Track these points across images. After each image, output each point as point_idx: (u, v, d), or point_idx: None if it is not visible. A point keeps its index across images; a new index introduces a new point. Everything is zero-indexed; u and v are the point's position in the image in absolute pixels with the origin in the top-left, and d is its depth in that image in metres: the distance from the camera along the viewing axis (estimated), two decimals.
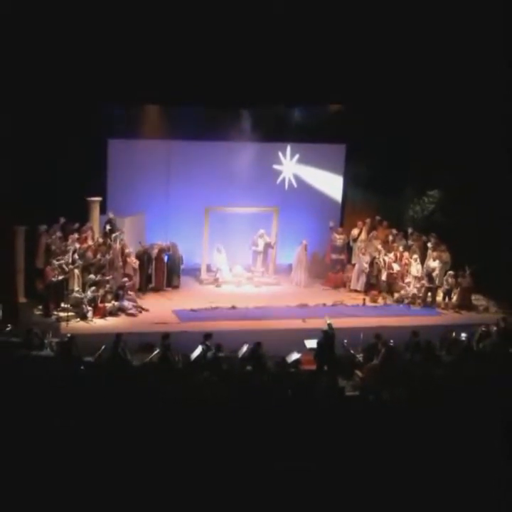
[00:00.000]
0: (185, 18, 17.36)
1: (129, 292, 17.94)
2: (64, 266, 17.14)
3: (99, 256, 17.82)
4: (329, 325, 14.29)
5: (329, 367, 13.82)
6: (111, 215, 19.07)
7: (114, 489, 8.30)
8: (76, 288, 17.17)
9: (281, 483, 8.53)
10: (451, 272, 19.35)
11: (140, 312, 17.58)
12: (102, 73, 17.28)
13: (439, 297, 19.42)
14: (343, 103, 20.56)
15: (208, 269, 20.37)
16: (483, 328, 15.82)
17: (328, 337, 14.13)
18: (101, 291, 17.19)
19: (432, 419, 10.32)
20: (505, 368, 13.48)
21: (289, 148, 21.30)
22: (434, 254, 19.63)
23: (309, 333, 14.98)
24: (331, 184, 21.92)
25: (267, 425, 9.79)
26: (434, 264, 19.47)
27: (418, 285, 19.38)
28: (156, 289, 19.29)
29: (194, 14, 17.35)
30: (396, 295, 19.58)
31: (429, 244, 20.05)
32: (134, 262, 18.65)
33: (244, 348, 13.81)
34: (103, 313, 17.00)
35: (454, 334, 15.41)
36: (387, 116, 19.82)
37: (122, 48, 17.07)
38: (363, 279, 20.07)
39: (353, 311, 18.54)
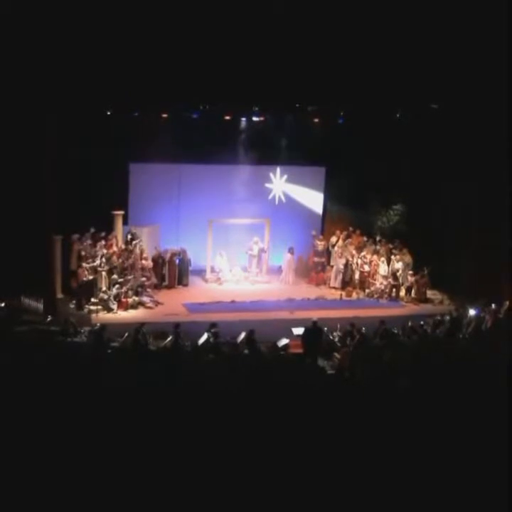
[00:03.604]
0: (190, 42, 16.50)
1: (147, 289, 18.05)
2: (93, 268, 17.30)
3: (122, 260, 17.91)
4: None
5: (313, 351, 13.81)
6: (132, 228, 19.20)
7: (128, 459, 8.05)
8: (103, 286, 17.29)
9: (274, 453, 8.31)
10: (411, 272, 19.54)
11: (156, 305, 17.68)
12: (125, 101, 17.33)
13: (402, 292, 19.55)
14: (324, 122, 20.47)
15: (212, 270, 20.43)
16: (438, 318, 15.96)
17: (316, 328, 14.07)
18: (124, 289, 17.28)
19: (394, 391, 10.42)
20: (455, 349, 13.61)
21: (278, 170, 21.44)
22: (398, 257, 19.75)
23: (296, 323, 15.12)
24: (313, 200, 22.03)
25: (261, 398, 9.80)
26: (398, 265, 19.62)
27: (385, 283, 19.51)
28: (169, 287, 19.37)
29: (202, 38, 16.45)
30: (367, 291, 19.70)
31: (394, 249, 20.20)
32: (150, 264, 18.76)
33: (242, 335, 13.85)
34: (126, 307, 17.11)
35: (410, 323, 15.47)
36: (360, 144, 19.98)
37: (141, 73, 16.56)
38: (340, 277, 20.19)
39: (332, 304, 18.67)
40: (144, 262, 18.57)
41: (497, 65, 16.43)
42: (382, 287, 19.44)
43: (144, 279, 18.07)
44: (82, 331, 14.27)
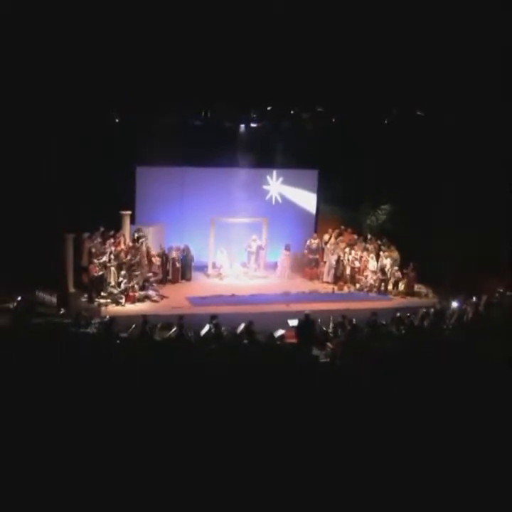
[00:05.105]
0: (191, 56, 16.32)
1: (153, 284, 18.08)
2: (103, 264, 17.31)
3: (129, 256, 17.91)
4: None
5: (307, 341, 13.77)
6: (139, 227, 19.20)
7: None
8: (112, 281, 17.31)
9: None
10: (396, 267, 19.57)
11: (161, 299, 17.69)
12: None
13: (390, 286, 19.57)
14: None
15: (213, 265, 20.46)
16: (424, 310, 16.00)
17: (309, 320, 14.11)
18: (131, 283, 17.32)
19: (383, 379, 10.43)
20: (439, 340, 13.64)
21: (275, 173, 21.47)
22: (386, 253, 19.80)
23: (291, 315, 15.16)
24: (307, 201, 22.07)
25: (259, 385, 9.79)
26: (386, 261, 19.66)
27: (374, 277, 19.53)
28: (173, 281, 19.38)
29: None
30: (357, 285, 19.74)
31: (382, 246, 20.24)
32: (156, 260, 18.80)
33: (242, 326, 13.86)
34: (133, 300, 17.12)
35: (398, 314, 15.55)
36: (350, 149, 20.01)
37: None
38: (332, 273, 20.24)
39: (325, 298, 18.69)
40: (153, 258, 18.63)
41: (492, 66, 16.32)
42: (372, 282, 19.48)
43: (150, 274, 18.09)
44: (93, 322, 14.30)
